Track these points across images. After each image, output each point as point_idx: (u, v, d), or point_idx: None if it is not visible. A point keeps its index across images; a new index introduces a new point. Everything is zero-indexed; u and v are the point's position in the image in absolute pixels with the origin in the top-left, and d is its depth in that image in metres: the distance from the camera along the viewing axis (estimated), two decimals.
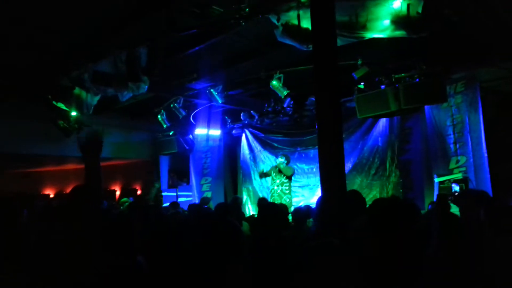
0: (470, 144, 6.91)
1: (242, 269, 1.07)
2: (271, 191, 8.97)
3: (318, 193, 8.70)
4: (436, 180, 7.20)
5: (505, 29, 5.26)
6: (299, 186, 10.02)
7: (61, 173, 12.76)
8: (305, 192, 9.92)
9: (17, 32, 5.62)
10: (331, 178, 2.34)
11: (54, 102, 7.39)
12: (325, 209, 2.43)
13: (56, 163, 11.63)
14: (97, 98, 7.19)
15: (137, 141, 11.11)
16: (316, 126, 2.52)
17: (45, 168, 12.68)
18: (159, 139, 10.77)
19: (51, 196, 12.84)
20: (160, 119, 9.52)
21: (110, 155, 10.40)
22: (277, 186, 8.76)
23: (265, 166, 9.92)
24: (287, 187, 8.72)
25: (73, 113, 7.47)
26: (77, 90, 7.03)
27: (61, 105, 7.41)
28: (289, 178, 8.77)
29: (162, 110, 9.42)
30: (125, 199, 7.97)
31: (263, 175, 9.27)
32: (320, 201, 2.76)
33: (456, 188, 6.59)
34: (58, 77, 6.85)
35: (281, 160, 8.85)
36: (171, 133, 10.35)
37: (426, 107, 7.35)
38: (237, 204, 6.10)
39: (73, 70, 6.58)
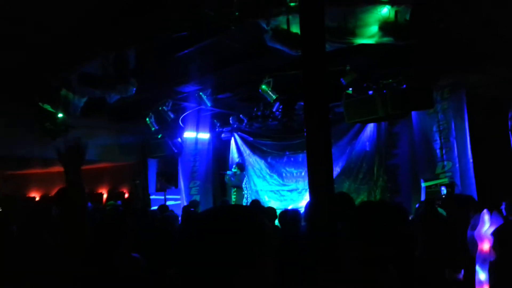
0: (456, 149, 7.00)
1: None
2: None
3: (307, 197, 8.72)
4: (423, 184, 7.28)
5: (492, 35, 5.36)
6: (288, 190, 10.06)
7: (47, 176, 12.55)
8: (294, 195, 9.95)
9: (3, 32, 5.54)
10: (320, 182, 2.35)
11: (40, 103, 7.29)
12: (314, 213, 2.44)
13: (42, 165, 11.44)
14: (84, 100, 7.12)
15: (125, 143, 10.99)
16: (305, 131, 2.53)
17: (30, 171, 12.46)
18: (148, 142, 10.69)
19: (37, 199, 12.63)
20: (148, 122, 9.47)
21: (97, 157, 10.28)
22: (232, 194, 9.49)
23: (253, 171, 10.04)
24: (235, 196, 9.40)
25: (60, 115, 7.38)
26: (64, 92, 6.95)
27: (48, 107, 7.31)
28: (238, 186, 9.43)
29: (150, 113, 9.38)
30: (111, 202, 7.89)
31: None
32: (309, 205, 2.77)
33: (444, 191, 6.68)
34: (45, 78, 6.76)
35: (234, 170, 9.48)
36: (159, 136, 10.29)
37: (413, 113, 7.44)
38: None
39: (60, 71, 6.50)
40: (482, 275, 1.94)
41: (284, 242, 3.49)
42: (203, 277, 0.94)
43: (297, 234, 4.06)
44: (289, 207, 8.46)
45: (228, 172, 9.88)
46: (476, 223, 2.19)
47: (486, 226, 2.16)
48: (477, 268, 1.98)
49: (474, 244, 2.14)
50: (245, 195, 9.66)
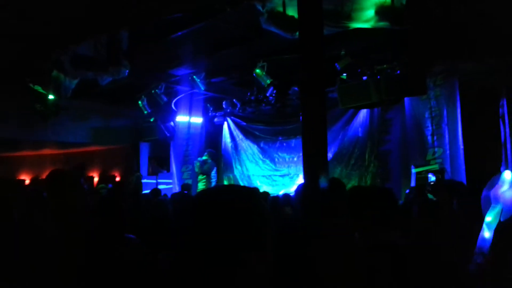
0: (447, 136, 7.07)
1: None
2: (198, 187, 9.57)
3: (298, 182, 8.78)
4: (414, 170, 7.36)
5: (486, 25, 5.37)
6: (280, 175, 10.11)
7: (38, 158, 12.45)
8: (286, 181, 10.01)
9: None
10: (314, 167, 2.37)
11: (31, 85, 7.18)
12: (307, 196, 2.46)
13: (32, 148, 11.33)
14: (75, 82, 7.02)
15: (117, 127, 10.90)
16: (300, 115, 2.53)
17: (21, 153, 12.34)
18: (140, 125, 10.62)
19: (27, 182, 12.53)
20: (141, 105, 9.38)
21: (89, 140, 10.20)
22: (199, 181, 9.54)
23: (246, 156, 10.04)
24: (204, 183, 9.43)
25: (51, 97, 7.28)
26: (55, 73, 6.84)
27: (39, 88, 7.21)
28: (207, 174, 9.46)
29: (143, 96, 9.29)
30: (102, 185, 7.86)
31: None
32: (303, 188, 2.79)
33: (433, 178, 6.76)
34: (36, 59, 6.64)
35: (204, 158, 9.52)
36: (152, 120, 10.22)
37: (406, 99, 7.47)
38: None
39: (52, 52, 6.38)
40: (487, 233, 1.98)
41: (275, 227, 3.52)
42: (212, 256, 0.94)
43: (288, 217, 4.10)
44: (281, 192, 8.55)
45: (199, 159, 9.88)
46: (494, 183, 2.17)
47: (505, 187, 2.13)
48: (484, 225, 2.01)
49: (487, 204, 2.13)
50: (213, 184, 9.66)
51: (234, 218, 0.96)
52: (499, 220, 1.93)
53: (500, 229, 1.82)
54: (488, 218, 2.00)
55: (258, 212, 0.99)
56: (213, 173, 9.84)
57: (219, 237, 0.94)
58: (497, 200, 2.01)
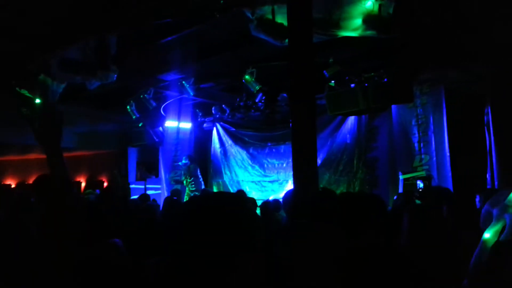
0: (433, 143, 7.17)
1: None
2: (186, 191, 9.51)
3: (287, 188, 8.79)
4: (401, 177, 7.44)
5: (472, 34, 5.48)
6: (269, 181, 10.12)
7: (24, 163, 12.28)
8: (275, 186, 10.02)
9: None
10: (304, 173, 2.38)
11: (17, 89, 7.09)
12: (296, 202, 2.48)
13: (19, 152, 11.17)
14: (63, 86, 6.97)
15: (104, 131, 10.82)
16: (290, 121, 2.55)
17: (7, 157, 12.15)
18: (128, 130, 10.55)
19: (13, 186, 12.33)
20: (129, 110, 9.32)
21: (76, 145, 10.10)
22: (187, 185, 9.48)
23: (235, 162, 10.04)
24: (193, 185, 9.37)
25: (37, 101, 7.19)
26: (42, 77, 6.78)
27: (25, 92, 7.12)
28: (195, 176, 9.42)
29: (131, 101, 9.23)
30: (89, 190, 7.76)
31: (179, 182, 9.95)
32: (292, 194, 2.80)
33: (421, 185, 6.84)
34: (23, 62, 6.57)
35: (184, 161, 9.52)
36: (140, 125, 10.16)
37: (393, 106, 7.56)
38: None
39: (39, 56, 6.33)
40: (487, 234, 2.00)
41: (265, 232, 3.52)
42: (203, 260, 0.95)
43: (278, 224, 4.11)
44: (270, 198, 8.57)
45: (180, 163, 9.86)
46: (499, 200, 2.16)
47: None
48: (482, 241, 2.03)
49: (488, 220, 2.13)
50: (202, 185, 9.62)
51: (224, 223, 0.97)
52: (497, 239, 1.95)
53: (496, 248, 1.84)
54: (486, 235, 2.02)
55: (247, 215, 1.01)
56: (198, 173, 9.78)
57: (209, 242, 0.95)
58: (499, 218, 2.02)
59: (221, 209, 0.98)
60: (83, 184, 12.54)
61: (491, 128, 6.63)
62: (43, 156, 7.04)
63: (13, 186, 12.40)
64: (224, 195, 1.09)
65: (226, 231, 0.95)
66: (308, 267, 1.78)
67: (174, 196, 6.66)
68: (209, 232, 0.95)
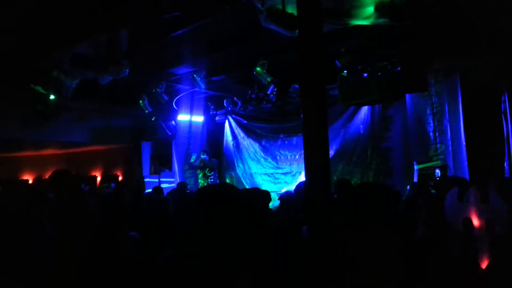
0: (449, 132, 7.06)
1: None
2: (199, 184, 9.46)
3: (300, 180, 8.77)
4: (416, 167, 7.35)
5: (486, 21, 5.34)
6: (282, 173, 10.11)
7: (40, 158, 12.49)
8: (288, 178, 10.01)
9: None
10: (316, 165, 2.36)
11: (32, 85, 7.19)
12: (309, 195, 2.45)
13: (35, 148, 11.36)
14: (76, 82, 7.02)
15: (118, 126, 10.91)
16: (301, 113, 2.52)
17: (23, 153, 12.38)
18: (141, 124, 10.62)
19: (30, 181, 12.58)
20: (142, 104, 9.39)
21: (89, 140, 10.22)
22: (201, 179, 9.44)
23: (247, 154, 10.02)
24: (212, 179, 9.35)
25: (51, 97, 7.28)
26: (55, 73, 6.85)
27: (39, 89, 7.21)
28: (214, 171, 9.39)
29: (144, 95, 9.29)
30: (105, 184, 7.86)
31: (192, 167, 9.88)
32: (302, 186, 2.79)
33: (439, 174, 6.76)
34: (37, 59, 6.64)
35: (202, 156, 9.34)
36: (153, 119, 10.22)
37: (407, 95, 7.45)
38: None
39: (52, 52, 6.38)
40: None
41: (284, 223, 3.49)
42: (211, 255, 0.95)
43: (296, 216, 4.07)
44: (283, 190, 8.55)
45: (202, 157, 9.49)
46: None
47: None
48: None
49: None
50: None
51: (220, 217, 0.96)
52: None
53: None
54: None
55: (236, 210, 1.00)
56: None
57: (213, 235, 0.95)
58: None
59: (221, 209, 0.98)
60: (98, 178, 12.71)
61: (508, 116, 6.49)
62: (58, 151, 7.15)
63: (30, 181, 12.64)
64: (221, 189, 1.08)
65: (226, 225, 0.94)
66: (375, 258, 1.81)
67: (181, 188, 6.57)
68: (214, 225, 0.94)
